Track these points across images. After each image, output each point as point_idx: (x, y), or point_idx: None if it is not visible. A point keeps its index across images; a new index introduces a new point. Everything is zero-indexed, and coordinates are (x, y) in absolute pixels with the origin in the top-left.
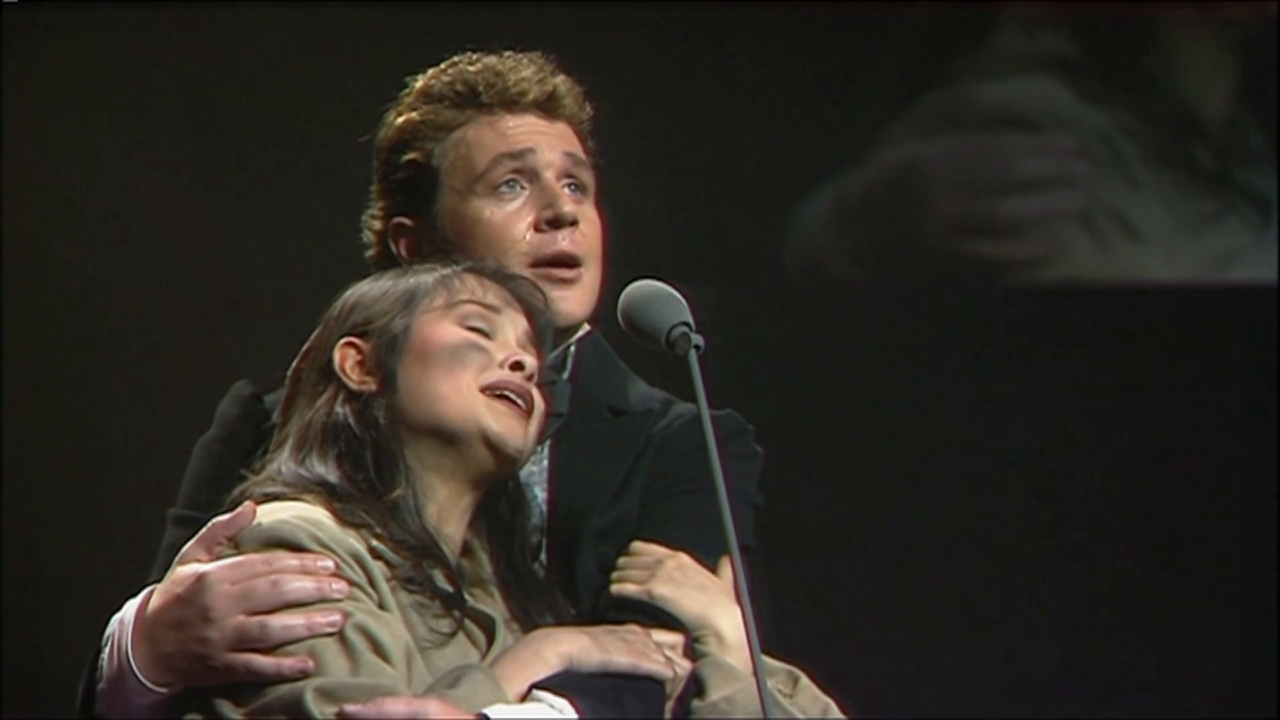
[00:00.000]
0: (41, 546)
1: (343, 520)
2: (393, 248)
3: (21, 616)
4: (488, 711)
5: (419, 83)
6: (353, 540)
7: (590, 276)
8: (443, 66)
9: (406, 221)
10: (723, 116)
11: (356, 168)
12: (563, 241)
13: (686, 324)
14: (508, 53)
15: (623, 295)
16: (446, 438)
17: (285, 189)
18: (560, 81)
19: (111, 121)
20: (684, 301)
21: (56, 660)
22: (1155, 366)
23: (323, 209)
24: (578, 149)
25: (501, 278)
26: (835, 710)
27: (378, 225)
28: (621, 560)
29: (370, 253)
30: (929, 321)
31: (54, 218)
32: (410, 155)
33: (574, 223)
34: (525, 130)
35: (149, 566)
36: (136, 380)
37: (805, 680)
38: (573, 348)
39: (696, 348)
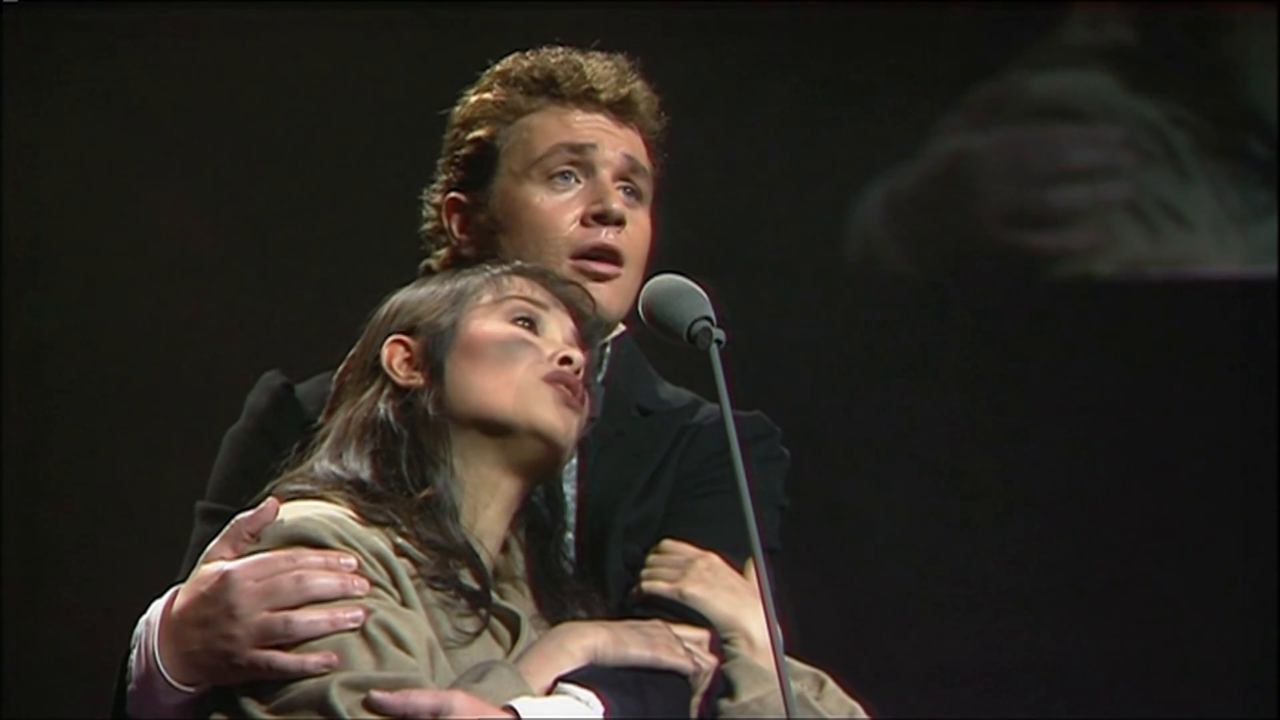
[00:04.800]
0: (43, 545)
1: (367, 519)
2: (445, 222)
3: (23, 614)
4: (515, 705)
5: (500, 65)
6: (376, 538)
7: (627, 279)
8: (526, 52)
9: (462, 198)
10: (774, 112)
11: (358, 165)
12: (606, 237)
13: (708, 318)
14: (595, 52)
15: (644, 289)
16: (494, 430)
17: (287, 186)
18: (638, 87)
19: (112, 121)
20: (705, 295)
21: (57, 658)
22: (1205, 358)
23: (325, 206)
24: (641, 155)
25: (550, 280)
26: (862, 713)
27: (437, 199)
28: (652, 558)
29: (427, 226)
30: (980, 313)
31: (54, 217)
32: (477, 133)
33: (620, 222)
34: (591, 126)
35: (154, 564)
36: (137, 378)
37: (831, 683)
38: (608, 349)
39: (718, 342)
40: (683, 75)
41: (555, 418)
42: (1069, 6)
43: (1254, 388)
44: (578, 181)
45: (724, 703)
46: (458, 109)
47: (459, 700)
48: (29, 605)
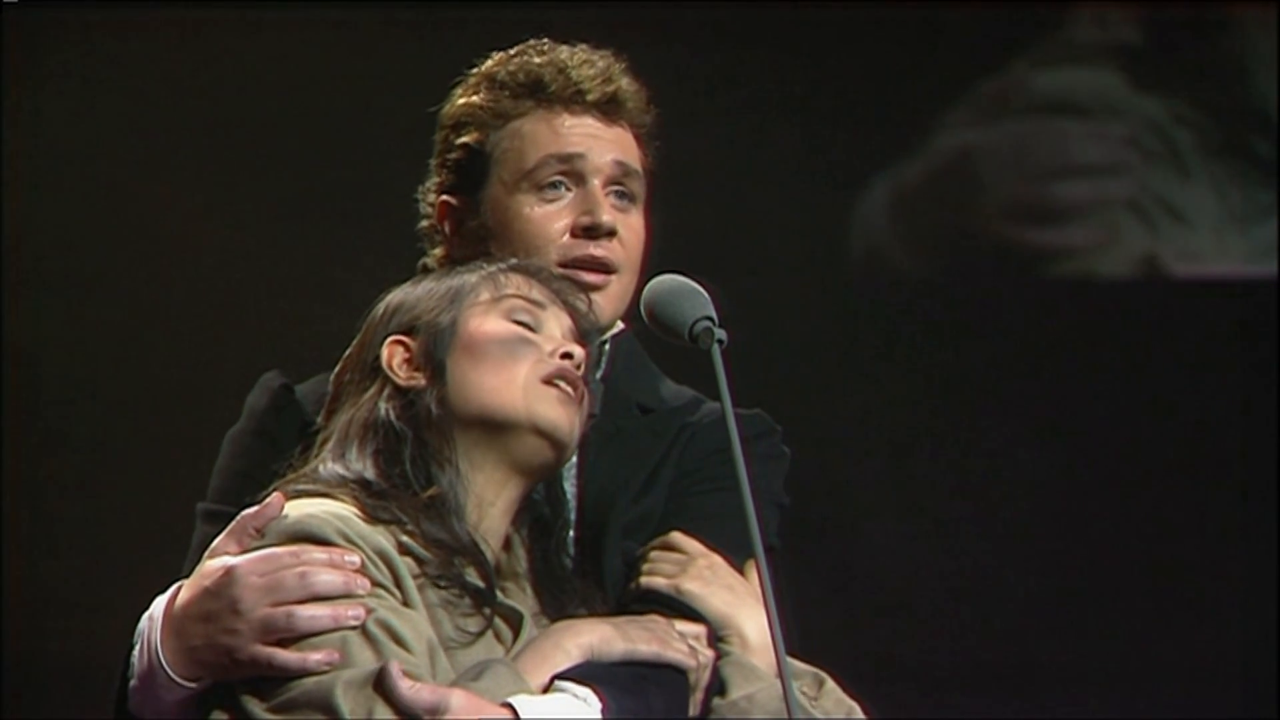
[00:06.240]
0: (44, 544)
1: (372, 516)
2: (438, 223)
3: (23, 614)
4: (514, 703)
5: (486, 65)
6: (380, 537)
7: (620, 285)
8: (512, 52)
9: (454, 201)
10: (779, 109)
11: (358, 165)
12: (595, 249)
13: (710, 318)
14: (581, 45)
15: (646, 290)
16: (496, 428)
17: (287, 186)
18: (625, 84)
19: (112, 121)
20: (707, 295)
21: (57, 658)
22: (1204, 357)
23: (325, 206)
24: (632, 156)
25: (546, 276)
26: (859, 713)
27: (432, 197)
28: (653, 553)
29: (424, 224)
30: (981, 310)
31: (54, 217)
32: (466, 138)
33: (611, 233)
34: (579, 133)
35: (154, 564)
36: (137, 378)
37: (830, 683)
38: (607, 347)
39: (720, 342)
40: (686, 71)
41: (557, 415)
42: (1074, 4)
43: (1253, 387)
44: (568, 190)
45: (715, 700)
46: (446, 108)
47: (457, 698)
48: (29, 604)
